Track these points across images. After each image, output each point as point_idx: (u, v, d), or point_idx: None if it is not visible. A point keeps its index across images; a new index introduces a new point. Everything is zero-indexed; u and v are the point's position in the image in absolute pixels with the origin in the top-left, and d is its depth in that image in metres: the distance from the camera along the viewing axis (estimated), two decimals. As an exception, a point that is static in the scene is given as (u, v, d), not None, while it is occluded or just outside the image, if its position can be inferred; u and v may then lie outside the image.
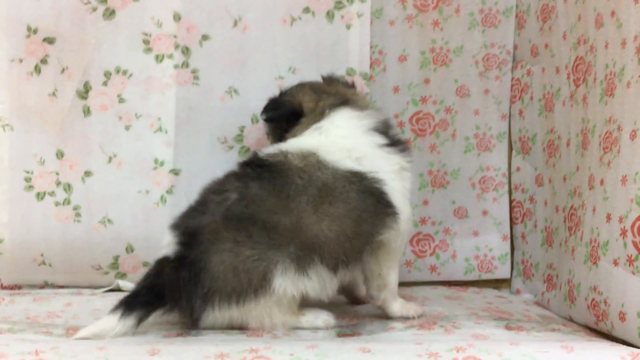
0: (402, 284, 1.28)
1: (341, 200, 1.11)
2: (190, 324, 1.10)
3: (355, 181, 1.12)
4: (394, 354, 0.89)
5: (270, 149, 1.19)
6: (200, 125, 1.47)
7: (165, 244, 1.14)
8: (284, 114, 1.27)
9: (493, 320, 1.19)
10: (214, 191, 1.15)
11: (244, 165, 1.19)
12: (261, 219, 1.08)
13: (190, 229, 1.10)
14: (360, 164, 1.14)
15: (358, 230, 1.11)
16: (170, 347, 0.94)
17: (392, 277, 1.19)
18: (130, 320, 1.03)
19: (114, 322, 1.02)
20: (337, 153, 1.15)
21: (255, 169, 1.15)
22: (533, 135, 1.47)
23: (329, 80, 1.33)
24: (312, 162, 1.13)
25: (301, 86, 1.31)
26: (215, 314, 1.07)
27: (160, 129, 1.46)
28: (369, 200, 1.12)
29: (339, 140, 1.18)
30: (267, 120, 1.30)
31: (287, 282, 1.06)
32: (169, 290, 1.07)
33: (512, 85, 1.54)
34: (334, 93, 1.27)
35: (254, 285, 1.05)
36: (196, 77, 1.46)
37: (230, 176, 1.17)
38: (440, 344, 0.93)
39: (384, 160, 1.17)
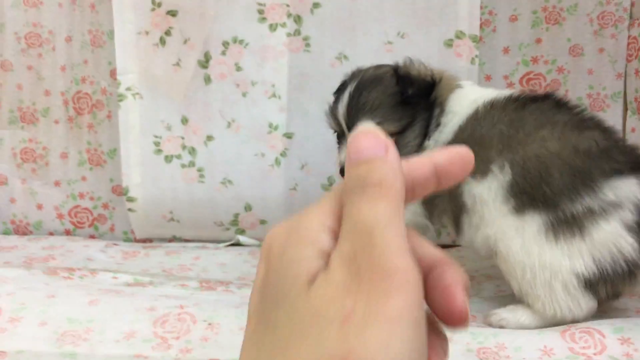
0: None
1: None
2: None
3: None
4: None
5: None
6: (311, 90, 1.53)
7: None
8: (426, 86, 1.10)
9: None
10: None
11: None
12: None
13: None
14: None
15: None
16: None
17: None
18: None
19: None
20: None
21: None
22: (650, 95, 1.43)
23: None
24: None
25: (407, 63, 1.15)
26: None
27: (274, 95, 1.54)
28: None
29: None
30: (413, 96, 1.09)
31: None
32: None
33: (628, 44, 1.49)
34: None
35: None
36: (307, 45, 1.52)
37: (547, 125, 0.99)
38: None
39: None
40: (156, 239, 1.63)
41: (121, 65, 1.54)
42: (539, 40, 1.52)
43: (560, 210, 0.93)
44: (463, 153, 0.42)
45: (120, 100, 1.55)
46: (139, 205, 1.58)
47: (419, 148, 1.11)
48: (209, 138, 1.55)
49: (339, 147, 1.20)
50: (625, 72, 1.51)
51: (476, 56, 1.48)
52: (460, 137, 1.06)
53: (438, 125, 1.10)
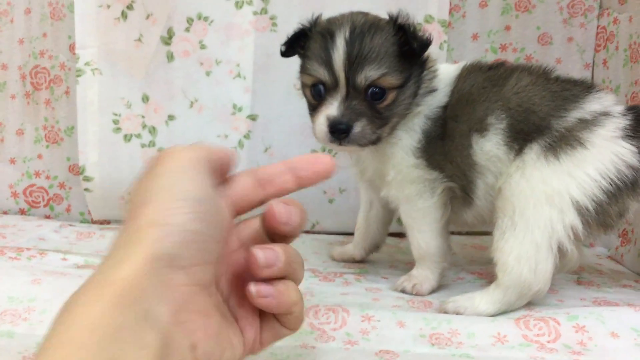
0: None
1: None
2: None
3: None
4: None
5: None
6: (277, 71, 1.49)
7: None
8: (424, 43, 1.02)
9: (564, 274, 1.20)
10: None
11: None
12: None
13: None
14: None
15: None
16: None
17: None
18: None
19: None
20: None
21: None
22: (617, 86, 1.42)
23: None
24: None
25: (403, 14, 1.04)
26: None
27: (239, 75, 1.50)
28: None
29: None
30: (415, 51, 1.01)
31: None
32: None
33: (597, 34, 1.48)
34: None
35: None
36: (274, 24, 1.48)
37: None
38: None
39: None
40: (114, 220, 1.58)
41: (80, 40, 1.49)
42: (508, 28, 1.50)
43: (554, 130, 0.96)
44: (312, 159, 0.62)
45: (79, 76, 1.49)
46: (96, 185, 1.53)
47: (410, 109, 1.04)
48: (171, 117, 1.51)
49: (320, 103, 1.02)
50: (593, 62, 1.50)
51: (445, 41, 1.46)
52: (455, 99, 1.06)
53: (432, 90, 1.06)
